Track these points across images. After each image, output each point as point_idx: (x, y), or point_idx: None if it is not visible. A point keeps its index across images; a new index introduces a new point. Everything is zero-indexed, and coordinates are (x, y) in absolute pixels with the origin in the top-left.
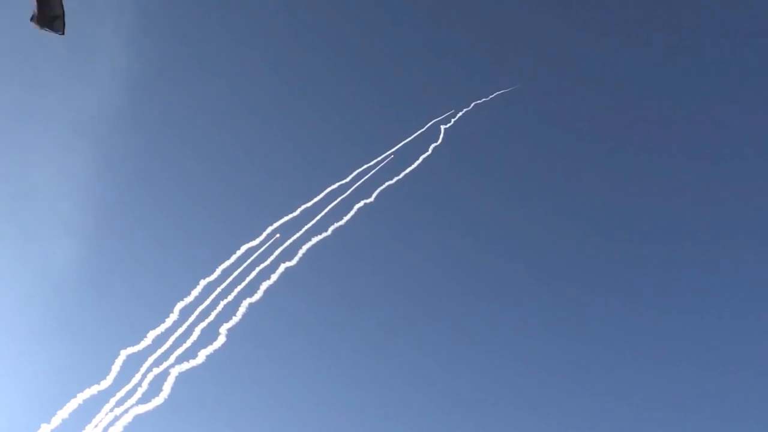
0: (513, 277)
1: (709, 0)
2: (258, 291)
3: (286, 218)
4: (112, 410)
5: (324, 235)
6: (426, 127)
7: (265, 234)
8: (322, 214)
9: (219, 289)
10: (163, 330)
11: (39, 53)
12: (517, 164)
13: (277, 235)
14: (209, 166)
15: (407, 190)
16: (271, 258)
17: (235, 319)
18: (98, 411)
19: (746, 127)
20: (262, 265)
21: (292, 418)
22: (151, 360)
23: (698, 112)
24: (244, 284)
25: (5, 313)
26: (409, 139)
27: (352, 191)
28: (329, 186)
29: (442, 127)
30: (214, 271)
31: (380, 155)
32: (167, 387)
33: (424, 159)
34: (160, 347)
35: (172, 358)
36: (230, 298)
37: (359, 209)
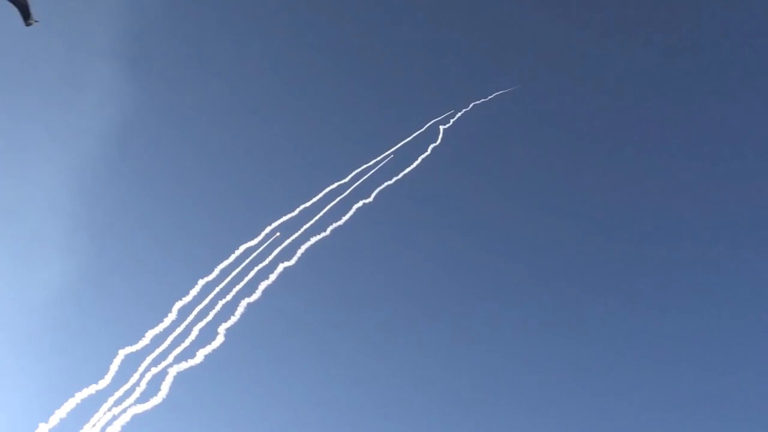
0: (512, 277)
1: (709, 0)
2: (256, 291)
3: (284, 218)
4: (110, 410)
5: (323, 235)
6: (425, 127)
7: (263, 234)
8: (321, 214)
9: (217, 289)
10: (161, 329)
11: (39, 52)
12: (516, 164)
13: (277, 234)
14: (208, 165)
15: (406, 191)
16: (270, 258)
17: (233, 319)
18: (96, 410)
19: (746, 127)
20: (261, 265)
21: (290, 418)
22: (149, 359)
23: (698, 112)
24: (242, 284)
25: (4, 312)
26: (408, 139)
27: (351, 191)
28: (328, 186)
29: (441, 127)
30: (212, 270)
31: (379, 155)
32: (165, 387)
33: (423, 159)
34: (158, 347)
35: (170, 358)
36: (229, 297)
37: (358, 209)
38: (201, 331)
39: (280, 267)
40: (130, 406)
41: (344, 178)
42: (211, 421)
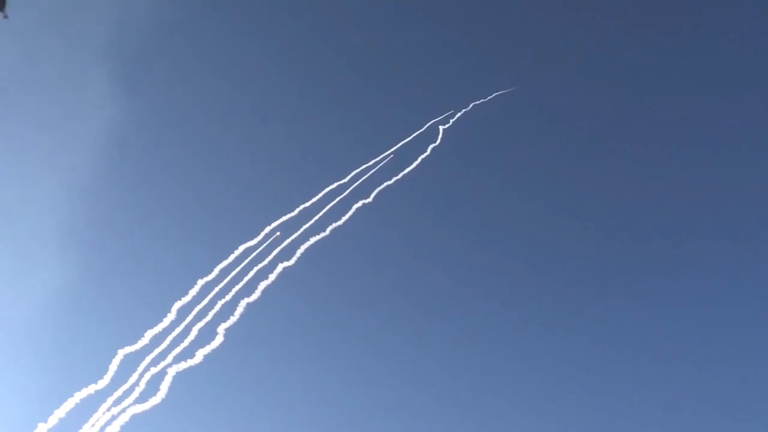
0: (512, 277)
1: (709, 0)
2: (256, 291)
3: (284, 218)
4: (109, 410)
5: (322, 235)
6: (425, 127)
7: (263, 234)
8: (321, 214)
9: (217, 289)
10: (160, 329)
11: (40, 51)
12: (516, 165)
13: (278, 233)
14: (208, 165)
15: (406, 191)
16: (269, 258)
17: (232, 319)
18: (95, 410)
19: (746, 127)
20: (260, 265)
21: (289, 418)
22: (148, 359)
23: (698, 113)
24: (242, 284)
25: (4, 312)
26: (408, 139)
27: (350, 191)
28: (328, 186)
29: (441, 127)
30: (212, 270)
31: (379, 155)
32: (164, 386)
33: (422, 159)
34: (157, 347)
35: (169, 358)
36: (228, 297)
37: (357, 209)
38: (200, 331)
39: (280, 267)
40: (129, 406)
41: (344, 178)
42: (210, 421)
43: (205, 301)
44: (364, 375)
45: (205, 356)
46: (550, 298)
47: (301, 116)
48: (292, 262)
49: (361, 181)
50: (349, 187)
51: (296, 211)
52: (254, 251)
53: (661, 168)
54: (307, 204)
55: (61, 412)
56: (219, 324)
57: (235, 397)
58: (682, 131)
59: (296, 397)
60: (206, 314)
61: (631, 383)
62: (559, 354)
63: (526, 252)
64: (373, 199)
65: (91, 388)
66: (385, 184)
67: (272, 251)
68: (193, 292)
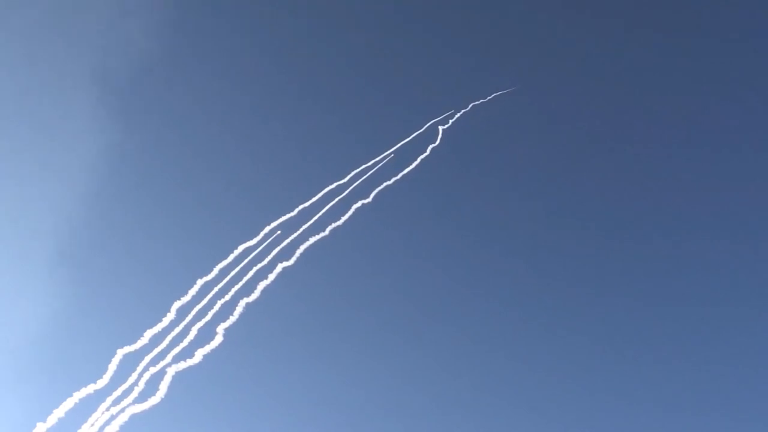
0: (512, 278)
1: (709, 0)
2: (255, 291)
3: (283, 218)
4: (108, 409)
5: (321, 235)
6: (424, 127)
7: (262, 233)
8: (320, 214)
9: (216, 289)
10: (159, 329)
11: (38, 50)
12: (516, 165)
13: (278, 232)
14: (207, 164)
15: (405, 191)
16: (269, 258)
17: (232, 319)
18: (94, 410)
19: (746, 127)
20: (260, 265)
21: (289, 418)
22: (147, 359)
23: (698, 113)
24: (241, 284)
25: (2, 312)
26: (408, 139)
27: (350, 191)
28: (327, 186)
29: (441, 127)
30: (211, 270)
31: (378, 156)
32: (164, 386)
33: (422, 160)
34: (156, 346)
35: (168, 358)
36: (227, 297)
37: (357, 209)
38: (199, 330)
39: (279, 267)
40: (128, 405)
41: (343, 178)
42: (210, 421)
43: (205, 301)
44: (364, 375)
45: (205, 356)
46: (550, 298)
47: (300, 116)
48: (291, 262)
49: (360, 181)
50: (348, 187)
51: (296, 211)
52: (254, 251)
53: (661, 168)
54: (307, 204)
55: (60, 412)
56: (218, 324)
57: (235, 397)
58: (682, 131)
59: (296, 397)
60: (206, 314)
61: (631, 383)
62: (559, 354)
63: (526, 252)
64: (373, 199)
65: (90, 388)
66: (385, 184)
67: (271, 251)
68: (192, 291)
